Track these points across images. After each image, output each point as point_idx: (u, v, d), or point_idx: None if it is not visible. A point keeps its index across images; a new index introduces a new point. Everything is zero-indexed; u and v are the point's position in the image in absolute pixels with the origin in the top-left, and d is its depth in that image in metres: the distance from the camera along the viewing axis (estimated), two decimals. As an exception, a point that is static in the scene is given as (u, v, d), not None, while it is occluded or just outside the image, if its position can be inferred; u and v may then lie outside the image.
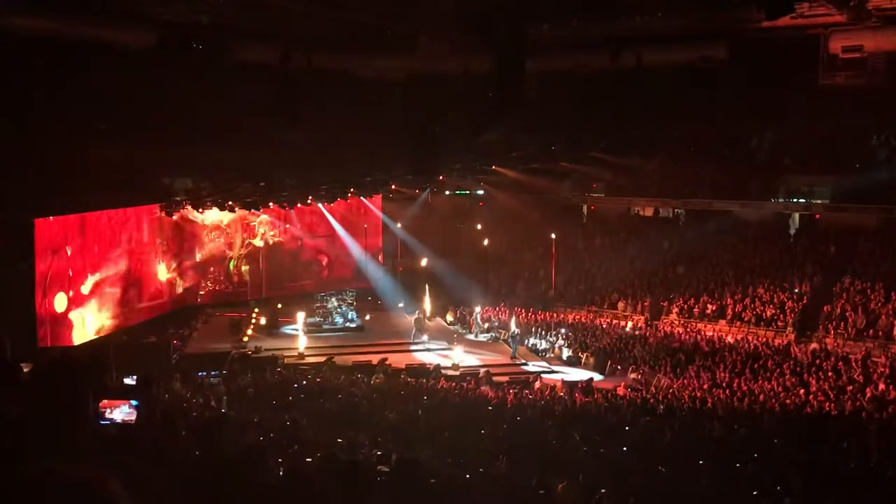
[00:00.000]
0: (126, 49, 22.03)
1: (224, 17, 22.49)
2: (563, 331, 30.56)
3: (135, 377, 11.49)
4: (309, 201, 32.84)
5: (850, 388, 21.35)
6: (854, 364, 23.81)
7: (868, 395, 20.42)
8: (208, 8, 21.79)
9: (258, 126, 26.51)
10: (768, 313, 28.94)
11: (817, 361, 24.48)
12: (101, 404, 8.81)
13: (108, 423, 8.58)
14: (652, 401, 21.11)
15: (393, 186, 35.10)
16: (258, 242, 34.51)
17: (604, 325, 31.28)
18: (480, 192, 38.53)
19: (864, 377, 22.43)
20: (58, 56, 20.61)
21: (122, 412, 8.81)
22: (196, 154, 27.46)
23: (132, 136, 23.73)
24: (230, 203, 30.32)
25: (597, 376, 26.30)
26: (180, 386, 20.21)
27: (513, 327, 29.22)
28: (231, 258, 34.03)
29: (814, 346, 26.08)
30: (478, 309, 32.41)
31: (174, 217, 31.12)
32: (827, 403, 19.48)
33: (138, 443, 5.38)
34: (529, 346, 29.73)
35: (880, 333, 25.98)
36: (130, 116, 23.30)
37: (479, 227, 37.64)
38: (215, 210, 31.45)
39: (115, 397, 9.07)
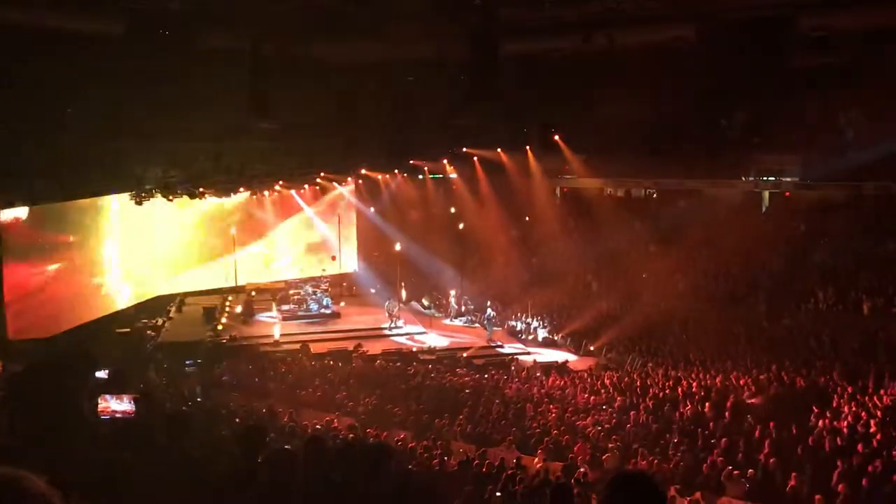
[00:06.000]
0: (93, 37, 21.60)
1: (193, 2, 22.13)
2: (537, 313, 30.72)
3: (106, 371, 11.36)
4: (279, 187, 32.66)
5: (820, 363, 21.70)
6: (825, 339, 24.19)
7: (838, 369, 20.76)
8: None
9: (228, 113, 26.20)
10: (740, 290, 29.26)
11: (788, 337, 24.84)
12: (99, 399, 8.70)
13: (108, 418, 8.50)
14: (627, 380, 21.34)
15: (365, 171, 34.96)
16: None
17: (578, 306, 31.41)
18: (454, 175, 38.41)
19: (834, 352, 22.81)
20: (23, 46, 20.18)
21: (119, 404, 8.72)
22: (166, 142, 27.12)
23: (100, 124, 23.38)
24: (201, 190, 29.97)
25: (572, 357, 26.55)
26: (155, 376, 20.10)
27: (488, 310, 29.34)
28: None
29: (785, 322, 26.44)
30: (453, 292, 32.48)
31: None
32: (798, 378, 19.78)
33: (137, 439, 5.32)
34: (505, 328, 29.88)
35: (850, 309, 26.36)
36: (98, 105, 22.93)
37: (452, 210, 37.60)
38: None
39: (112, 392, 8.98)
